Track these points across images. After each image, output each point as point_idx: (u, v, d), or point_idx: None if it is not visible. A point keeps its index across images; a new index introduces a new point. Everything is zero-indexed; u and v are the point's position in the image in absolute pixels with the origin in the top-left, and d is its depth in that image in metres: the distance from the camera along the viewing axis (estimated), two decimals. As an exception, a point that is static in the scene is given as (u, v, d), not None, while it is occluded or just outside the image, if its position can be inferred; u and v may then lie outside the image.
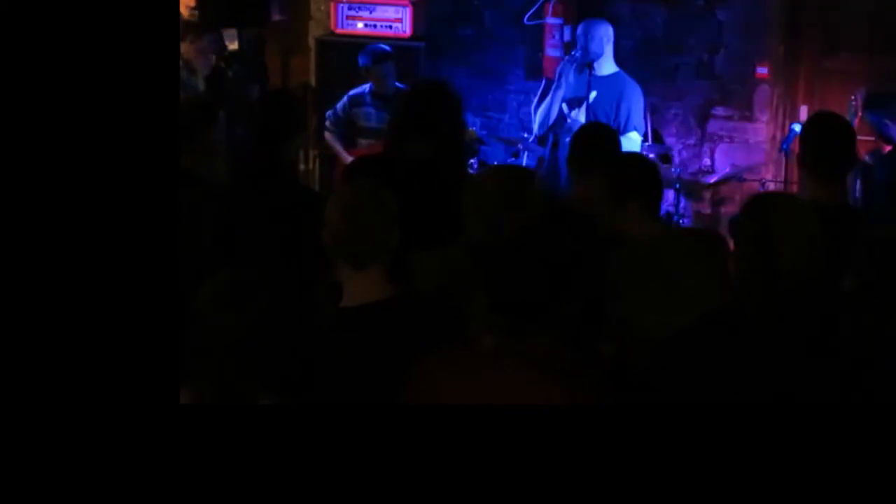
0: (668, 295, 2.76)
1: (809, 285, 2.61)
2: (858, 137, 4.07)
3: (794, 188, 5.84)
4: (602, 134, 4.17)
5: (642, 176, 3.50)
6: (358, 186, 2.83)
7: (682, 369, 2.54)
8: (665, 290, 2.79)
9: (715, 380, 2.49)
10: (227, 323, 2.32)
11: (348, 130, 6.52)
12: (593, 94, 5.87)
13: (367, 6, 7.10)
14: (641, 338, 2.64)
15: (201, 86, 6.04)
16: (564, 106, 5.89)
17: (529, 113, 6.81)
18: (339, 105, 6.51)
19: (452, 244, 3.06)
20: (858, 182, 5.30)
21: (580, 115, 5.89)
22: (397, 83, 6.34)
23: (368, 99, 6.41)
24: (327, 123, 6.58)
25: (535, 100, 6.03)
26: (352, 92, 6.47)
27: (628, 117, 5.89)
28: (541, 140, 6.25)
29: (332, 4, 7.20)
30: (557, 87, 5.87)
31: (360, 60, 6.30)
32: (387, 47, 6.37)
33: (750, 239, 2.67)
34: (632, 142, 5.77)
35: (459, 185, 3.38)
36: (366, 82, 6.41)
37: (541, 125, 6.05)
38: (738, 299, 2.67)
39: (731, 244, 2.85)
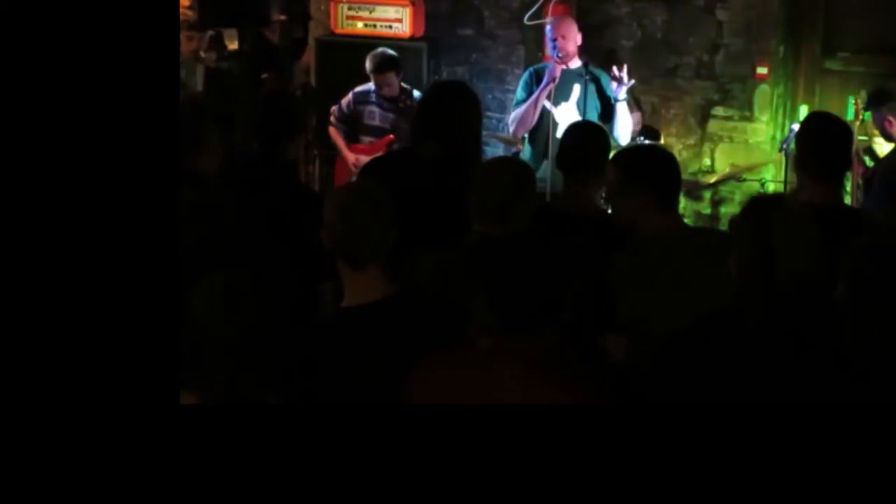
0: (677, 293, 2.75)
1: (807, 286, 2.60)
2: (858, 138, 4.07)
3: (795, 188, 5.86)
4: (596, 131, 4.13)
5: (653, 167, 3.39)
6: (355, 187, 2.83)
7: (683, 369, 2.54)
8: (674, 288, 2.78)
9: (714, 380, 2.50)
10: (227, 324, 2.32)
11: (352, 127, 6.56)
12: (577, 91, 5.66)
13: (367, 6, 7.10)
14: (646, 332, 2.64)
15: (201, 86, 6.05)
16: (548, 103, 5.67)
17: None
18: (345, 102, 6.53)
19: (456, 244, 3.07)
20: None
21: (567, 113, 5.72)
22: (402, 84, 6.38)
23: (374, 98, 6.44)
24: (332, 119, 6.60)
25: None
26: (357, 89, 6.50)
27: (614, 103, 5.59)
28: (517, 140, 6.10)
29: (332, 4, 7.20)
30: (544, 88, 5.62)
31: (367, 65, 6.31)
32: (393, 53, 6.36)
33: (748, 240, 2.67)
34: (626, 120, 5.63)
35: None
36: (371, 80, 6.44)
37: (521, 126, 5.79)
38: (738, 299, 2.68)
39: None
